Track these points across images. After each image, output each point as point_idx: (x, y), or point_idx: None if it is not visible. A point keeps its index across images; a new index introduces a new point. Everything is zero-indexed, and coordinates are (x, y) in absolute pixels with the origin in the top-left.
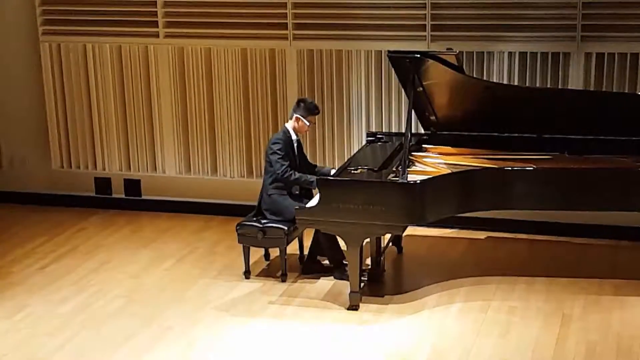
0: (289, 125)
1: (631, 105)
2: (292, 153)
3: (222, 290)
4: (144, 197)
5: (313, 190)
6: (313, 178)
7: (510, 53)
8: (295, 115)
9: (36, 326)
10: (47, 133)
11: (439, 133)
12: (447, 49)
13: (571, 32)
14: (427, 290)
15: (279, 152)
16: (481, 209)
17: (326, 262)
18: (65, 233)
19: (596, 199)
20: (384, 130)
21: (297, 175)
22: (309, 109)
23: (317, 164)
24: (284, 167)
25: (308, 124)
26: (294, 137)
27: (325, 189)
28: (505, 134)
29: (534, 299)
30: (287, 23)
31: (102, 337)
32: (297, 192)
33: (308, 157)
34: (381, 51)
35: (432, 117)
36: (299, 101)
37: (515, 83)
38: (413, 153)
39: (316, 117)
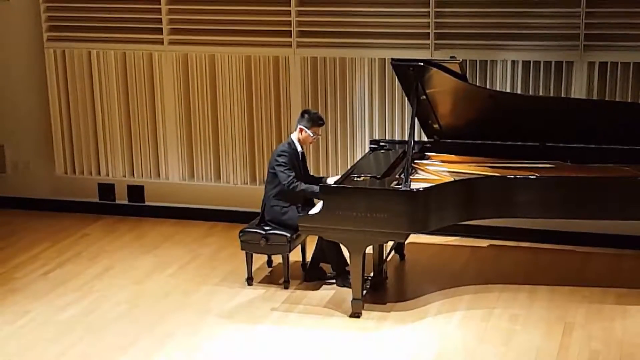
0: (294, 136)
1: (634, 114)
2: (298, 164)
3: (225, 297)
4: (147, 203)
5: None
6: (318, 188)
7: (513, 62)
8: (299, 126)
9: (39, 332)
10: (51, 139)
11: (442, 141)
12: (451, 57)
13: (574, 41)
14: (430, 298)
15: (284, 163)
16: (484, 217)
17: (329, 269)
18: (69, 239)
19: (598, 208)
20: (387, 138)
21: (304, 186)
22: (312, 120)
23: (322, 175)
24: (291, 178)
25: (312, 135)
26: (299, 148)
27: (328, 196)
28: (508, 142)
29: (536, 307)
30: (291, 30)
31: (105, 343)
32: (300, 205)
33: (311, 165)
34: (385, 59)
35: (435, 125)
36: (303, 112)
37: (519, 91)
38: (416, 161)
39: (321, 128)
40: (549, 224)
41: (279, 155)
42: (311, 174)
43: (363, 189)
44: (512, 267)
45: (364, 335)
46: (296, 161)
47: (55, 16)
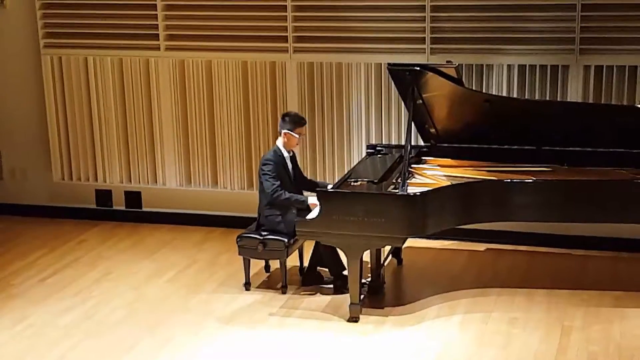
0: (279, 142)
1: (630, 118)
2: (286, 171)
3: (223, 302)
4: (144, 209)
5: (311, 207)
6: (303, 197)
7: (509, 66)
8: (283, 131)
9: (37, 337)
10: (48, 145)
11: (439, 145)
12: (447, 61)
13: (570, 45)
14: (428, 302)
15: (269, 172)
16: (481, 221)
17: (327, 273)
18: (66, 245)
19: (595, 211)
20: (383, 143)
21: (288, 195)
22: (294, 121)
23: (317, 179)
24: (275, 186)
25: (297, 136)
26: (285, 154)
27: (325, 200)
28: (505, 146)
29: (534, 311)
30: (287, 36)
31: (103, 349)
32: (294, 212)
33: (308, 170)
34: (381, 64)
35: (432, 130)
36: (284, 116)
37: (515, 95)
38: (413, 165)
39: (304, 127)
40: (546, 228)
41: (264, 164)
42: (308, 178)
43: (360, 194)
44: (509, 271)
45: (362, 339)
46: (284, 168)
47: (52, 22)
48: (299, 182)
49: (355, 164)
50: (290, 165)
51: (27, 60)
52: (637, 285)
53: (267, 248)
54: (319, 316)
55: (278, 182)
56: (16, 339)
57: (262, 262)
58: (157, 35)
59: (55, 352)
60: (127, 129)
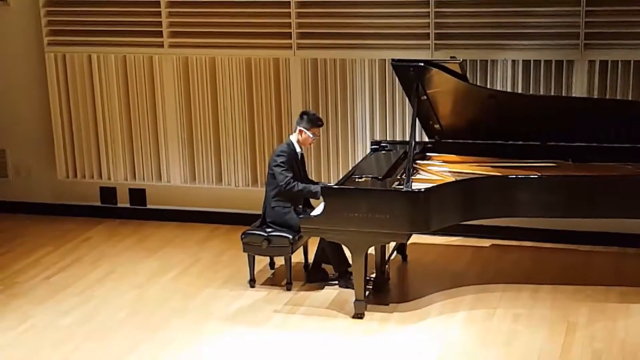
0: (293, 137)
1: (634, 113)
2: (296, 166)
3: (227, 300)
4: (149, 206)
5: (317, 201)
6: (317, 188)
7: (513, 61)
8: (299, 128)
9: (40, 337)
10: (53, 143)
11: (443, 141)
12: (451, 57)
13: (574, 40)
14: (432, 298)
15: (282, 164)
16: (486, 217)
17: (331, 270)
18: (71, 243)
19: (601, 207)
20: (388, 139)
21: (301, 186)
22: (312, 120)
23: (318, 181)
24: (288, 178)
25: (312, 136)
26: (298, 149)
27: (330, 197)
28: (510, 142)
29: (539, 307)
30: (291, 32)
31: (107, 348)
32: (300, 205)
33: (312, 166)
34: (385, 60)
35: (436, 126)
36: (302, 114)
37: (519, 91)
38: (417, 161)
39: (320, 129)
40: (551, 223)
41: (278, 156)
42: (310, 178)
43: (365, 190)
44: (514, 267)
45: (367, 336)
46: (295, 162)
47: (56, 20)
48: (303, 181)
49: (359, 160)
50: (300, 162)
51: (31, 58)
52: None
53: (271, 245)
54: (323, 313)
55: (291, 174)
56: (20, 339)
57: (267, 259)
58: (161, 32)
59: (58, 352)
60: (132, 126)
